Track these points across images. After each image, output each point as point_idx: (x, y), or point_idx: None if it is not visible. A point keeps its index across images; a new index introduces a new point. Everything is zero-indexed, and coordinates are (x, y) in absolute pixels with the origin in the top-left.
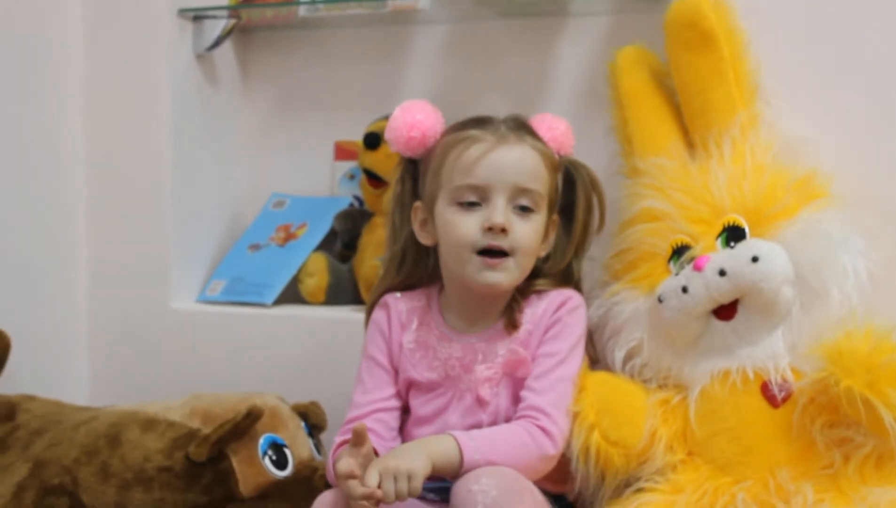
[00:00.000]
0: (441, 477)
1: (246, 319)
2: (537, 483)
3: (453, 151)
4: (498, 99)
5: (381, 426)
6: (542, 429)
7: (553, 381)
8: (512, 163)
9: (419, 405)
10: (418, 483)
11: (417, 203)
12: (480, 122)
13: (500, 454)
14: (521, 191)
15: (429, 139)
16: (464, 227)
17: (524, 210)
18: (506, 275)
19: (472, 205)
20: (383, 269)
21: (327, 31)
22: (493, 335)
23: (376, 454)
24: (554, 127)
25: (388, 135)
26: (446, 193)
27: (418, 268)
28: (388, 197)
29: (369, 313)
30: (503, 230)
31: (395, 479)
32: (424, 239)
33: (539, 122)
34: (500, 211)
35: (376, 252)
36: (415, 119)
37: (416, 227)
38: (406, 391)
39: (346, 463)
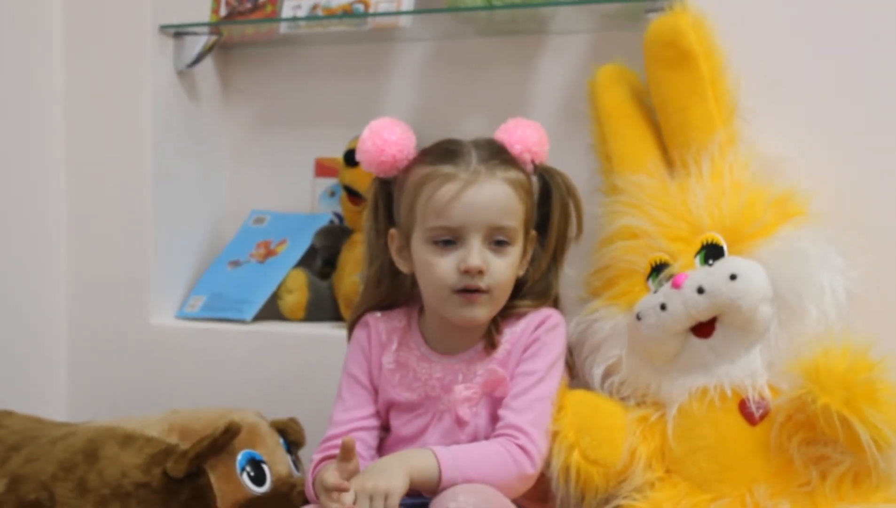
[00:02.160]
0: (418, 493)
1: (225, 335)
2: (517, 501)
3: (425, 190)
4: (479, 116)
5: (361, 445)
6: (521, 448)
7: (531, 400)
8: (484, 203)
9: (399, 426)
10: (395, 502)
11: (393, 231)
12: (451, 154)
13: (479, 471)
14: (496, 229)
15: (400, 162)
16: (441, 269)
17: (500, 244)
18: (483, 309)
19: (447, 243)
20: (361, 289)
21: (308, 48)
22: (474, 356)
23: None
24: (527, 136)
25: (358, 157)
26: (421, 231)
27: (396, 288)
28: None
29: (350, 331)
30: (480, 272)
31: (372, 498)
32: (402, 267)
33: (513, 129)
34: (475, 253)
35: (356, 269)
36: (384, 141)
37: (393, 253)
38: (386, 411)
39: (334, 476)
